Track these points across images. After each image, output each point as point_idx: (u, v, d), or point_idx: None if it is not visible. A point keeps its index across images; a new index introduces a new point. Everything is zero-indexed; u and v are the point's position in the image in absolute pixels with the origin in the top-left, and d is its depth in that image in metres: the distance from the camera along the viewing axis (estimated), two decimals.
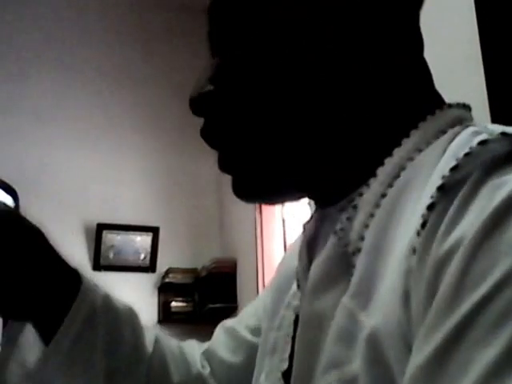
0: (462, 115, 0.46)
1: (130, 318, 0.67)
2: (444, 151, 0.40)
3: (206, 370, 0.71)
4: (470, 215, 0.34)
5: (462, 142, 0.39)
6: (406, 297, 0.35)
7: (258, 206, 3.70)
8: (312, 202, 0.54)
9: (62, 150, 4.04)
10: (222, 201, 4.31)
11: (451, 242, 0.34)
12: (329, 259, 0.45)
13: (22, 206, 3.91)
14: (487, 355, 0.29)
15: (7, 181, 3.91)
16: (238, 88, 0.48)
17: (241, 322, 0.72)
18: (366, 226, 0.43)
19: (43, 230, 0.63)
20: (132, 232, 4.06)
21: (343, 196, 0.47)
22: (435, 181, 0.37)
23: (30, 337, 0.61)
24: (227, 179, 0.51)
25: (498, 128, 0.38)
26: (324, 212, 0.50)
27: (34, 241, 0.61)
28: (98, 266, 3.96)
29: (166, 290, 4.04)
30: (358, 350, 0.38)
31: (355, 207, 0.45)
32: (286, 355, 0.52)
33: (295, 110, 0.46)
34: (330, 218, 0.48)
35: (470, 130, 0.41)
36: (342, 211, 0.46)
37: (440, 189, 0.36)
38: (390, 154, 0.44)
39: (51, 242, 0.63)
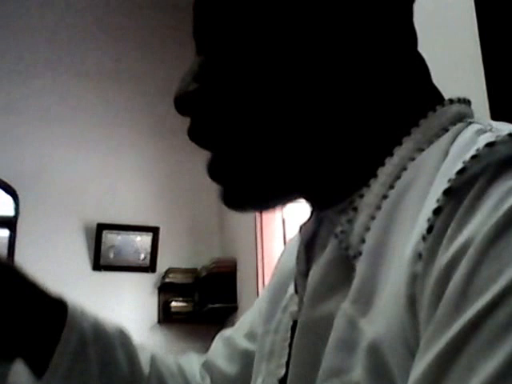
0: (462, 111, 0.45)
1: (122, 341, 0.66)
2: (446, 151, 0.39)
3: (206, 382, 0.71)
4: (476, 221, 0.33)
5: (466, 141, 0.38)
6: (412, 303, 0.35)
7: (258, 213, 3.70)
8: (310, 204, 0.52)
9: (62, 149, 4.04)
10: None
11: (457, 248, 0.33)
12: (329, 263, 0.44)
13: (21, 206, 3.91)
14: (490, 364, 0.28)
15: (7, 181, 3.92)
16: (223, 86, 0.46)
17: (238, 330, 0.71)
18: (367, 228, 0.42)
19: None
20: (132, 232, 4.06)
21: (342, 197, 0.46)
22: (441, 184, 0.36)
23: (20, 374, 0.59)
24: None
25: (503, 126, 0.37)
26: (322, 214, 0.49)
27: (8, 279, 0.58)
28: (97, 266, 3.96)
29: (165, 290, 4.04)
30: (358, 357, 0.37)
31: (355, 209, 0.43)
32: (283, 361, 0.51)
33: (284, 110, 0.45)
34: (329, 220, 0.47)
35: (474, 128, 0.40)
36: (341, 213, 0.44)
37: (446, 192, 0.35)
38: (390, 154, 0.43)
39: (27, 275, 0.60)
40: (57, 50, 4.23)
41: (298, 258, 0.52)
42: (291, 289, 0.55)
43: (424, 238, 0.35)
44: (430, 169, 0.39)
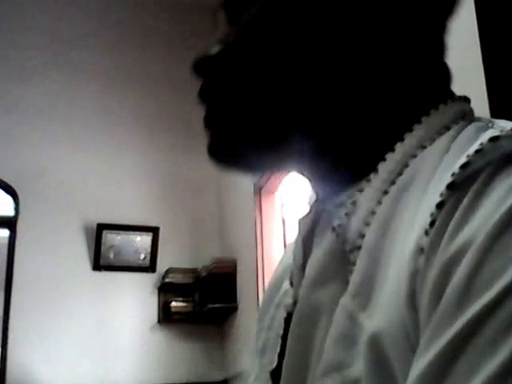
0: (464, 109, 0.45)
1: None
2: (447, 149, 0.39)
3: None
4: (479, 216, 0.33)
5: (469, 137, 0.38)
6: (412, 298, 0.35)
7: (258, 206, 3.70)
8: (311, 197, 0.52)
9: (62, 150, 4.04)
10: (221, 201, 4.31)
11: (460, 243, 0.33)
12: (326, 255, 0.44)
13: (21, 206, 3.91)
14: (492, 362, 0.28)
15: (7, 181, 3.91)
16: (243, 53, 0.47)
17: None
18: (367, 223, 0.42)
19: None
20: (132, 232, 4.06)
21: (341, 190, 0.46)
22: (443, 178, 0.36)
23: None
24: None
25: (505, 123, 0.37)
26: (321, 206, 0.49)
27: None
28: (97, 266, 3.96)
29: (166, 290, 4.04)
30: (359, 352, 0.37)
31: (354, 203, 0.43)
32: (276, 354, 0.51)
33: (296, 88, 0.45)
34: (328, 213, 0.46)
35: (476, 125, 0.40)
36: (340, 207, 0.44)
37: (450, 186, 0.35)
38: (392, 149, 0.43)
39: None
40: (57, 50, 4.23)
41: (295, 251, 0.52)
42: (285, 285, 0.55)
43: (426, 233, 0.35)
44: (431, 166, 0.39)
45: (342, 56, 0.45)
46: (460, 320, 0.30)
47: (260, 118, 0.47)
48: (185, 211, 4.23)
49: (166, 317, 3.99)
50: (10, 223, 3.94)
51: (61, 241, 3.91)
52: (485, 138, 0.35)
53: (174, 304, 3.98)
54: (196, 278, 4.05)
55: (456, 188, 0.35)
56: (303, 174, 0.51)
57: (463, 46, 1.63)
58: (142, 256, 4.07)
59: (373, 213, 0.42)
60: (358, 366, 0.37)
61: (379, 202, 0.42)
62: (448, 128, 0.43)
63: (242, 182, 3.75)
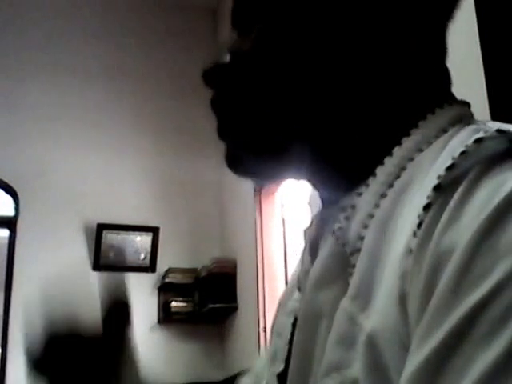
0: (462, 113, 0.46)
1: None
2: (443, 151, 0.40)
3: None
4: (466, 215, 0.33)
5: (461, 140, 0.39)
6: (403, 299, 0.35)
7: (258, 206, 3.70)
8: (314, 201, 0.53)
9: (62, 149, 4.04)
10: (222, 201, 4.31)
11: (448, 243, 0.33)
12: (327, 259, 0.45)
13: (21, 206, 3.91)
14: (486, 357, 0.28)
15: (7, 181, 3.92)
16: (254, 63, 0.48)
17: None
18: (366, 226, 0.42)
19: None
20: (132, 232, 4.06)
21: (345, 195, 0.47)
22: (431, 180, 0.37)
23: None
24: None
25: (497, 125, 0.38)
26: (326, 213, 0.50)
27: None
28: (97, 265, 3.95)
29: (166, 290, 4.04)
30: (357, 352, 0.38)
31: (354, 207, 0.44)
32: (283, 357, 0.52)
33: (301, 96, 0.47)
34: (331, 218, 0.47)
35: (470, 128, 0.40)
36: (341, 211, 0.45)
37: (436, 189, 0.36)
38: (390, 154, 0.44)
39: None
40: (57, 50, 4.23)
41: (302, 259, 0.53)
42: (296, 293, 0.56)
43: (414, 234, 0.36)
44: (427, 168, 0.40)
45: (344, 64, 0.46)
46: (452, 318, 0.31)
47: (269, 127, 0.48)
48: (185, 211, 4.22)
49: (165, 317, 3.99)
50: (10, 223, 3.95)
51: (61, 241, 3.91)
52: (470, 140, 0.36)
53: (174, 304, 3.98)
54: (196, 278, 4.05)
55: (442, 190, 0.35)
56: (309, 182, 0.52)
57: (463, 46, 1.63)
58: (142, 256, 4.07)
59: (371, 216, 0.42)
60: (357, 366, 0.37)
61: (377, 205, 0.42)
62: (445, 131, 0.43)
63: (242, 182, 3.75)
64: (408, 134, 0.44)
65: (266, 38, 0.48)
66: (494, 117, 1.43)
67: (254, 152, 0.49)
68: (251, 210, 3.72)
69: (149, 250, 4.06)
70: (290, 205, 3.64)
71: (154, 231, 4.07)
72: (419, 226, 0.35)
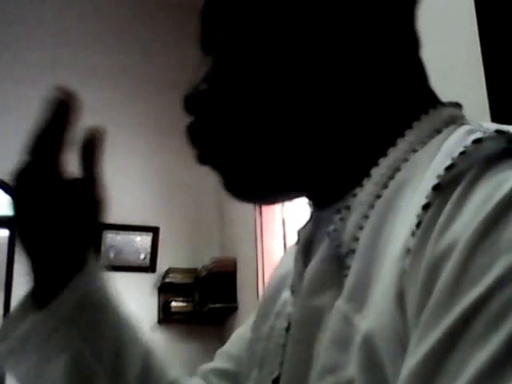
0: (455, 114, 0.46)
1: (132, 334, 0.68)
2: (438, 151, 0.40)
3: None
4: (465, 214, 0.33)
5: (457, 140, 0.39)
6: (401, 298, 0.35)
7: (258, 206, 3.70)
8: (310, 203, 0.53)
9: None
10: (221, 201, 4.31)
11: (447, 242, 0.33)
12: (322, 261, 0.45)
13: None
14: (482, 356, 0.29)
15: (7, 181, 3.92)
16: (231, 87, 0.48)
17: (221, 357, 0.71)
18: (361, 227, 0.42)
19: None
20: (132, 232, 4.06)
21: (338, 197, 0.47)
22: (430, 180, 0.37)
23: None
24: None
25: (493, 126, 0.38)
26: (320, 215, 0.50)
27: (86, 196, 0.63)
28: None
29: (166, 290, 4.04)
30: (353, 354, 0.37)
31: (348, 208, 0.44)
32: (277, 363, 0.51)
33: (288, 110, 0.46)
34: (326, 220, 0.47)
35: (465, 128, 0.40)
36: (336, 213, 0.45)
37: (435, 188, 0.36)
38: (384, 154, 0.44)
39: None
40: (56, 50, 4.23)
41: (295, 260, 0.53)
42: (285, 295, 0.55)
43: (413, 234, 0.36)
44: (422, 169, 0.40)
45: (330, 70, 0.46)
46: (449, 317, 0.31)
47: (264, 147, 0.48)
48: (185, 211, 4.23)
49: (166, 317, 3.99)
50: (10, 223, 3.95)
51: None
52: (469, 140, 0.36)
53: (173, 304, 3.99)
54: (196, 278, 4.05)
55: (441, 189, 0.35)
56: (305, 191, 0.51)
57: (463, 46, 1.63)
58: (142, 256, 4.07)
59: (366, 217, 0.42)
60: (352, 368, 0.37)
61: (372, 206, 0.42)
62: (439, 132, 0.43)
63: None
64: (402, 135, 0.44)
65: (242, 57, 0.48)
66: (494, 117, 1.43)
67: (250, 174, 0.49)
68: (251, 210, 3.72)
69: (149, 250, 4.07)
70: (290, 205, 3.64)
71: (154, 231, 4.07)
72: (418, 225, 0.35)
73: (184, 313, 4.00)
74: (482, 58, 1.51)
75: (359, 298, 0.39)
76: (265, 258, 3.60)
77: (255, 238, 3.64)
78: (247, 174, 0.49)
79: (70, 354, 0.57)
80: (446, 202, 0.35)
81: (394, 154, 0.44)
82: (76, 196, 0.62)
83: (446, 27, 1.68)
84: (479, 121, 0.43)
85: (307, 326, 0.45)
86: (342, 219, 0.44)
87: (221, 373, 0.68)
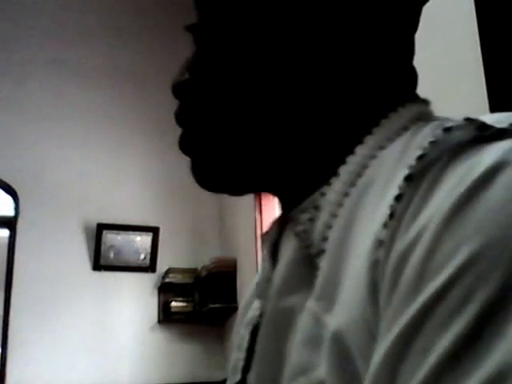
0: (423, 111, 0.46)
1: None
2: (405, 147, 0.40)
3: None
4: (433, 204, 0.34)
5: (425, 135, 0.39)
6: (373, 289, 0.35)
7: (258, 206, 3.70)
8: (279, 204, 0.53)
9: (62, 150, 4.04)
10: (221, 201, 4.31)
11: (415, 231, 0.33)
12: (291, 262, 0.45)
13: (21, 206, 3.91)
14: (446, 340, 0.29)
15: (7, 181, 3.92)
16: (207, 78, 0.49)
17: None
18: (329, 226, 0.42)
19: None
20: (132, 232, 4.06)
21: (305, 196, 0.46)
22: (402, 171, 0.37)
23: None
24: None
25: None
26: (287, 215, 0.49)
27: None
28: (97, 265, 3.96)
29: (166, 290, 4.04)
30: (323, 353, 0.37)
31: (317, 207, 0.43)
32: (241, 367, 0.51)
33: (259, 104, 0.47)
34: (293, 220, 0.47)
35: (434, 123, 0.40)
36: (304, 212, 0.45)
37: (407, 179, 0.36)
38: (352, 152, 0.44)
39: None
40: (56, 50, 4.23)
41: (263, 265, 0.53)
42: (256, 303, 0.55)
43: (385, 225, 0.36)
44: (391, 165, 0.40)
45: (304, 67, 0.46)
46: (415, 303, 0.31)
47: (227, 136, 0.48)
48: (185, 211, 4.23)
49: (166, 317, 3.99)
50: (9, 223, 3.95)
51: (61, 241, 3.91)
52: (439, 129, 0.36)
53: (174, 304, 3.99)
54: (196, 278, 4.05)
55: (413, 179, 0.36)
56: (271, 189, 0.51)
57: (463, 46, 1.63)
58: (142, 256, 4.07)
59: (335, 215, 0.42)
60: (323, 368, 0.37)
61: (341, 205, 0.42)
62: (406, 129, 0.43)
63: None
64: (370, 133, 0.44)
65: (219, 49, 0.48)
66: None
67: (216, 164, 0.49)
68: (251, 210, 3.72)
69: (149, 250, 4.07)
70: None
71: (154, 231, 4.07)
72: (391, 216, 0.36)
73: (184, 313, 4.00)
74: (481, 58, 1.51)
75: (329, 298, 0.39)
76: None
77: (255, 238, 3.64)
78: (213, 161, 0.49)
79: None
80: (416, 192, 0.35)
81: (361, 152, 0.43)
82: None
83: (446, 27, 1.68)
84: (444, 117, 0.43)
85: (278, 327, 0.44)
86: (310, 219, 0.44)
87: None
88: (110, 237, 4.00)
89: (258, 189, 0.52)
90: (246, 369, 0.48)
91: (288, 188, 0.49)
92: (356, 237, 0.39)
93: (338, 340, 0.36)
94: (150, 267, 4.07)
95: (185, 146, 0.50)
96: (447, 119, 0.39)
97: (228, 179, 0.49)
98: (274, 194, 0.51)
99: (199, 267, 4.06)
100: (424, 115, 0.45)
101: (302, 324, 0.41)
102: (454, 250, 0.31)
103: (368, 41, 0.46)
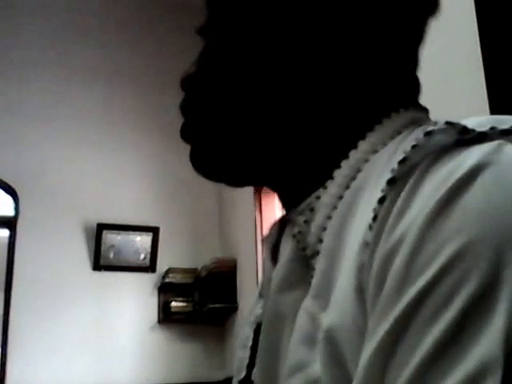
0: (418, 117, 0.47)
1: None
2: (394, 151, 0.41)
3: None
4: (415, 205, 0.35)
5: (412, 138, 0.40)
6: (360, 291, 0.37)
7: (258, 206, 3.70)
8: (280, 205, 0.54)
9: (62, 149, 4.04)
10: (221, 201, 4.31)
11: (398, 233, 0.35)
12: (288, 263, 0.46)
13: (21, 206, 3.91)
14: (432, 335, 0.31)
15: (7, 181, 3.92)
16: (211, 71, 0.50)
17: None
18: (324, 228, 0.43)
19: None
20: (132, 232, 4.06)
21: (302, 199, 0.47)
22: (385, 175, 0.38)
23: None
24: None
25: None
26: (286, 217, 0.51)
27: None
28: (98, 266, 3.96)
29: (166, 290, 4.04)
30: (318, 350, 0.39)
31: (312, 210, 0.45)
32: (245, 364, 0.53)
33: (256, 99, 0.48)
34: (291, 222, 0.48)
35: (424, 128, 0.41)
36: (300, 214, 0.46)
37: (389, 182, 0.37)
38: (346, 157, 0.45)
39: None
40: (56, 50, 4.23)
41: (264, 266, 0.54)
42: (259, 304, 0.57)
43: (370, 227, 0.37)
44: (380, 168, 0.41)
45: (305, 69, 0.47)
46: (401, 303, 0.32)
47: (228, 128, 0.49)
48: (185, 211, 4.23)
49: (166, 317, 3.99)
50: (9, 223, 3.95)
51: (61, 241, 3.92)
52: (420, 133, 0.37)
53: (174, 304, 3.99)
54: (196, 278, 4.05)
55: (395, 183, 0.37)
56: (270, 187, 0.53)
57: (463, 46, 1.63)
58: (142, 256, 4.07)
59: (329, 218, 0.43)
60: (318, 365, 0.38)
61: (335, 207, 0.43)
62: (399, 133, 0.44)
63: None
64: (364, 138, 0.45)
65: (223, 44, 0.50)
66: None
67: (214, 152, 0.50)
68: (251, 210, 3.72)
69: (149, 250, 4.07)
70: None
71: (154, 231, 4.07)
72: (374, 219, 0.37)
73: (184, 313, 4.00)
74: (482, 58, 1.51)
75: (323, 297, 0.40)
76: None
77: (255, 238, 3.64)
78: (212, 149, 0.50)
79: None
80: (398, 195, 0.36)
81: (354, 156, 0.45)
82: None
83: (446, 27, 1.68)
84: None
85: (276, 325, 0.46)
86: (306, 221, 0.45)
87: None
88: (109, 237, 4.00)
89: (255, 182, 0.53)
90: (251, 366, 0.50)
91: (286, 187, 0.50)
92: (348, 238, 0.40)
93: (330, 338, 0.37)
94: (150, 267, 4.07)
95: (186, 133, 0.52)
96: (434, 123, 0.40)
97: (225, 168, 0.51)
98: (274, 190, 0.53)
99: (199, 267, 4.06)
100: (418, 120, 0.46)
101: (299, 322, 0.42)
102: (437, 250, 0.32)
103: (369, 49, 0.47)
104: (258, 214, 3.69)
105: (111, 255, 4.01)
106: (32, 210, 3.89)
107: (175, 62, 4.41)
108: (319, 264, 0.42)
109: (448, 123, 0.37)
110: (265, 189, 3.66)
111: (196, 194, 4.27)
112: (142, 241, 4.06)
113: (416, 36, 0.50)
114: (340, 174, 0.44)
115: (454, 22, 1.66)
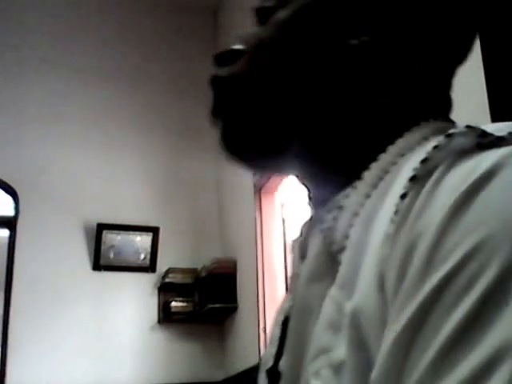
0: (446, 127, 0.49)
1: None
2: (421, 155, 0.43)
3: None
4: (437, 200, 0.37)
5: (435, 140, 0.42)
6: (382, 281, 0.38)
7: (258, 206, 3.70)
8: (310, 203, 0.56)
9: (62, 149, 4.04)
10: (221, 200, 4.31)
11: (420, 226, 0.37)
12: (316, 257, 0.49)
13: (21, 206, 3.91)
14: (453, 320, 0.32)
15: (7, 181, 3.92)
16: (268, 49, 0.52)
17: None
18: (351, 224, 0.46)
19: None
20: (132, 232, 4.06)
21: (331, 197, 0.50)
22: (408, 174, 0.40)
23: None
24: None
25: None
26: (315, 214, 0.54)
27: None
28: (97, 266, 3.96)
29: (166, 290, 4.04)
30: (343, 335, 0.41)
31: (341, 208, 0.47)
32: (272, 354, 0.55)
33: (304, 92, 0.51)
34: (320, 219, 0.51)
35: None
36: (329, 212, 0.49)
37: (411, 179, 0.39)
38: (375, 159, 0.48)
39: None
40: (57, 49, 4.23)
41: (293, 260, 0.57)
42: (286, 299, 0.58)
43: (392, 221, 0.39)
44: (408, 170, 0.43)
45: (352, 72, 0.50)
46: (423, 291, 0.34)
47: (265, 113, 0.52)
48: (185, 211, 4.23)
49: (166, 317, 4.00)
50: (9, 223, 3.95)
51: (61, 241, 3.92)
52: (442, 136, 0.40)
53: (174, 304, 3.99)
54: (196, 278, 4.05)
55: (417, 180, 0.39)
56: (300, 180, 0.56)
57: None
58: (142, 256, 4.07)
59: (356, 215, 0.46)
60: (343, 348, 0.40)
61: (362, 205, 0.46)
62: (426, 139, 0.47)
63: (242, 181, 3.75)
64: (393, 143, 0.48)
65: (282, 29, 0.52)
66: (494, 117, 1.43)
67: (247, 133, 0.53)
68: (251, 210, 3.72)
69: (149, 250, 4.07)
70: (290, 204, 3.64)
71: (154, 231, 4.07)
72: (396, 212, 0.39)
73: (184, 313, 4.00)
74: (482, 58, 1.51)
75: (349, 286, 0.42)
76: (265, 258, 3.59)
77: (255, 238, 3.64)
78: (244, 128, 0.53)
79: None
80: (420, 191, 0.38)
81: (384, 159, 0.47)
82: None
83: None
84: (479, 121, 0.45)
85: (304, 314, 0.48)
86: (334, 218, 0.48)
87: None
88: (110, 237, 4.00)
89: (284, 169, 0.56)
90: (278, 357, 0.52)
91: (318, 186, 0.53)
92: (373, 234, 0.43)
93: (355, 322, 0.39)
94: (150, 267, 4.07)
95: (219, 109, 0.53)
96: (455, 127, 0.43)
97: (254, 147, 0.53)
98: (302, 183, 0.55)
99: (199, 267, 4.06)
100: (445, 130, 0.48)
101: (325, 310, 0.44)
102: (458, 242, 0.34)
103: (412, 69, 0.50)
104: (257, 213, 3.69)
105: (111, 255, 4.01)
106: (32, 210, 3.89)
107: (176, 62, 4.42)
108: (346, 257, 0.44)
109: (468, 127, 0.39)
110: (265, 189, 3.66)
111: (196, 194, 4.27)
112: (142, 241, 4.07)
113: (458, 59, 0.55)
114: (369, 175, 0.47)
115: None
